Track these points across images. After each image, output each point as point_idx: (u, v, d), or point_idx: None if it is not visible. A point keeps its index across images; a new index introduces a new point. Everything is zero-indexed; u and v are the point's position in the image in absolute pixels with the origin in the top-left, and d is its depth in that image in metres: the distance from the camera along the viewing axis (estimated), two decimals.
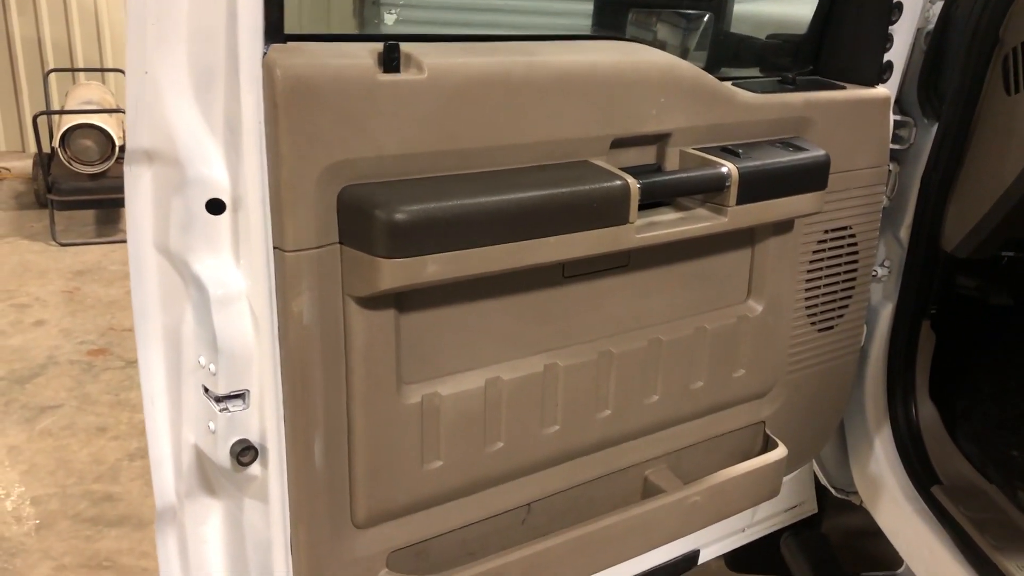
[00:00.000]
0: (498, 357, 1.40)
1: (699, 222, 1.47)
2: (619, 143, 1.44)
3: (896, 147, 2.04)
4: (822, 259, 1.81)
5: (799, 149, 1.61)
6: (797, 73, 1.79)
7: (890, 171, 1.90)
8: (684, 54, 1.93)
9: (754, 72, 1.90)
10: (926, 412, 2.11)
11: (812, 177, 1.60)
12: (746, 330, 1.69)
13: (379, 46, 1.20)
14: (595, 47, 1.46)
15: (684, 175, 1.44)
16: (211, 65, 1.14)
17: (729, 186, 1.47)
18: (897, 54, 1.92)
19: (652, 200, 1.42)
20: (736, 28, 2.07)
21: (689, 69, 1.48)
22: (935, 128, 1.96)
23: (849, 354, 1.96)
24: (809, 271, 1.79)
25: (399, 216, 1.16)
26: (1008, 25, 1.82)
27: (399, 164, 1.22)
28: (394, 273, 1.18)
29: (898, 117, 2.02)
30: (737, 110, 1.56)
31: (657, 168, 1.51)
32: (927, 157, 1.98)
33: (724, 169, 1.46)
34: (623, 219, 1.34)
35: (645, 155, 1.50)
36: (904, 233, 2.06)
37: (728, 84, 1.61)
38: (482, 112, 1.27)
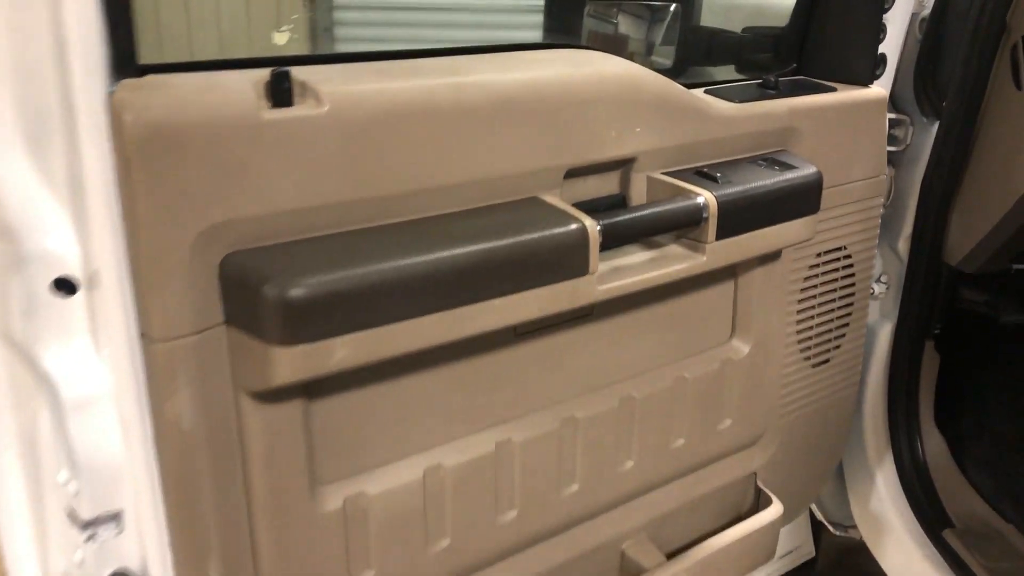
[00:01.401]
0: (439, 439, 1.16)
1: (673, 264, 1.23)
2: (575, 173, 1.20)
3: (891, 149, 1.81)
4: (815, 285, 1.58)
5: (786, 167, 1.37)
6: (779, 74, 1.55)
7: (885, 175, 1.67)
8: (648, 51, 1.69)
9: (729, 71, 1.67)
10: (932, 443, 1.90)
11: (803, 200, 1.37)
12: (732, 375, 1.46)
13: (265, 73, 0.95)
14: (539, 59, 1.21)
15: (653, 211, 1.21)
16: (42, 109, 0.89)
17: (707, 218, 1.23)
18: (891, 45, 1.69)
19: (616, 244, 1.18)
20: (708, 21, 1.83)
21: (654, 80, 1.24)
22: (935, 127, 1.74)
23: (847, 388, 1.74)
24: (800, 300, 1.56)
25: (295, 292, 0.92)
26: (1016, 11, 1.59)
27: (296, 221, 0.98)
28: (293, 363, 0.93)
29: (893, 115, 1.79)
30: (712, 125, 1.32)
31: (621, 200, 1.27)
32: (926, 160, 1.76)
33: (700, 199, 1.23)
34: (582, 270, 1.10)
35: (607, 184, 1.26)
36: (903, 245, 1.83)
37: (700, 93, 1.37)
38: (400, 150, 1.02)
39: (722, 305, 1.45)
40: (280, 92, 0.95)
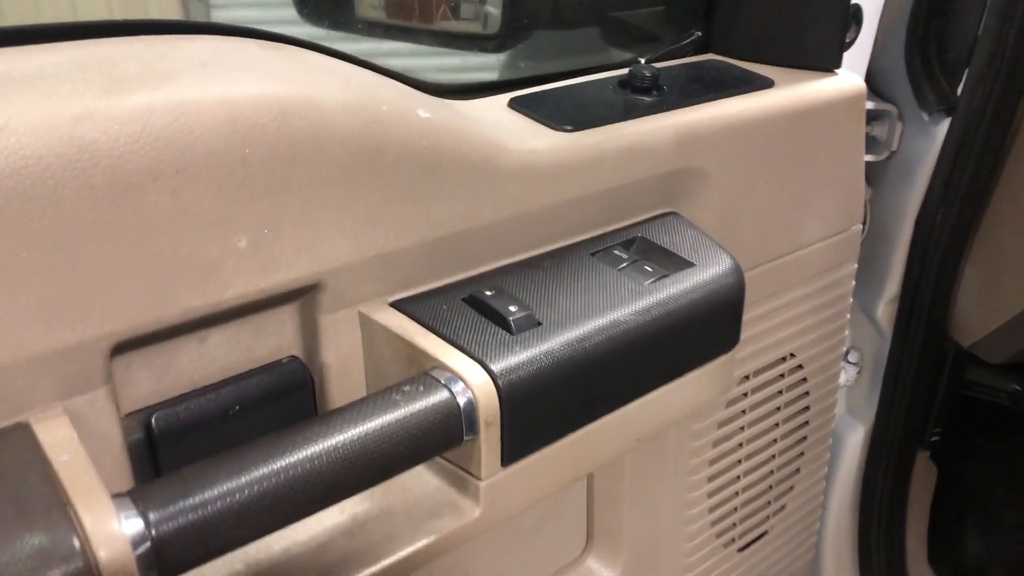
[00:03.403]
0: None
1: (393, 548, 0.53)
2: (140, 343, 0.49)
3: (869, 158, 1.11)
4: (740, 429, 0.89)
5: (671, 261, 0.67)
6: (667, 54, 0.84)
7: (859, 227, 0.97)
8: (453, 9, 0.96)
9: (584, 48, 0.94)
10: None
11: (706, 331, 0.67)
12: None
13: None
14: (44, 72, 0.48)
15: (298, 457, 0.49)
16: None
17: (475, 435, 0.53)
18: None
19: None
20: None
21: (367, 97, 0.53)
22: (941, 126, 1.04)
23: (797, 561, 1.07)
24: (714, 461, 0.88)
25: None
26: None
27: None
28: None
29: (872, 105, 1.09)
30: (508, 187, 0.61)
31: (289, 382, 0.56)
32: (926, 177, 1.07)
33: (452, 391, 0.52)
34: None
35: (242, 348, 0.56)
36: (884, 310, 1.15)
37: (490, 112, 0.67)
38: None
39: (568, 508, 0.77)
40: None
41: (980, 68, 0.95)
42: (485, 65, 1.02)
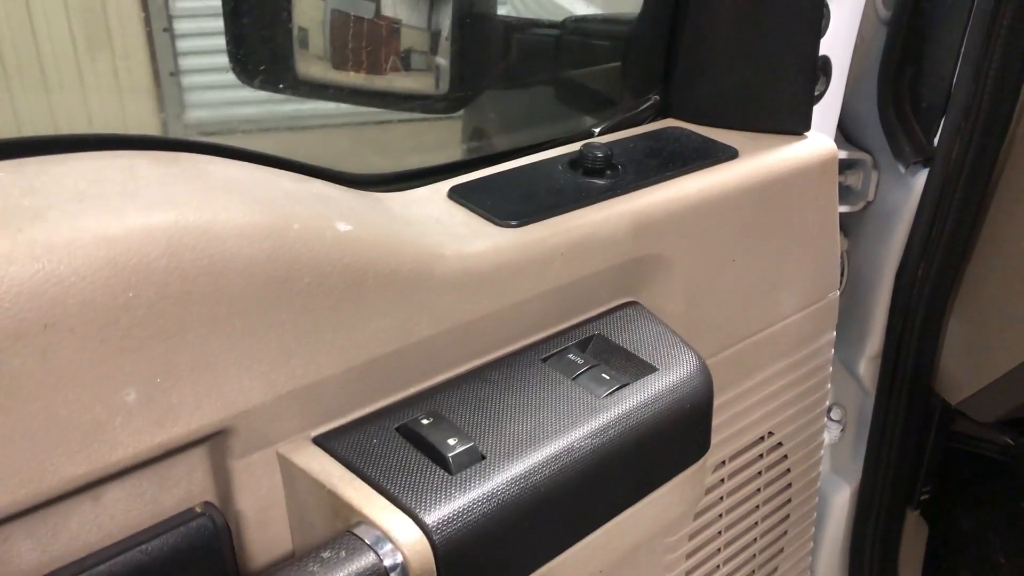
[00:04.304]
0: None
1: None
2: (22, 513, 0.43)
3: (844, 209, 1.06)
4: (718, 517, 0.83)
5: (629, 363, 0.61)
6: (625, 120, 0.78)
7: (836, 295, 0.91)
8: (405, 61, 0.90)
9: (536, 113, 0.88)
10: None
11: (672, 443, 0.61)
12: None
13: None
14: None
15: None
16: None
17: None
18: (838, 37, 0.93)
19: None
20: (512, 10, 1.04)
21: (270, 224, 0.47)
22: (919, 178, 0.99)
23: None
24: (691, 554, 0.82)
25: None
26: None
27: None
28: None
29: (844, 154, 1.04)
30: (449, 290, 0.55)
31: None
32: (904, 230, 1.02)
33: (379, 553, 0.46)
34: None
35: (140, 499, 0.49)
36: (867, 367, 1.10)
37: (425, 205, 0.61)
38: None
39: None
40: None
41: (956, 120, 0.90)
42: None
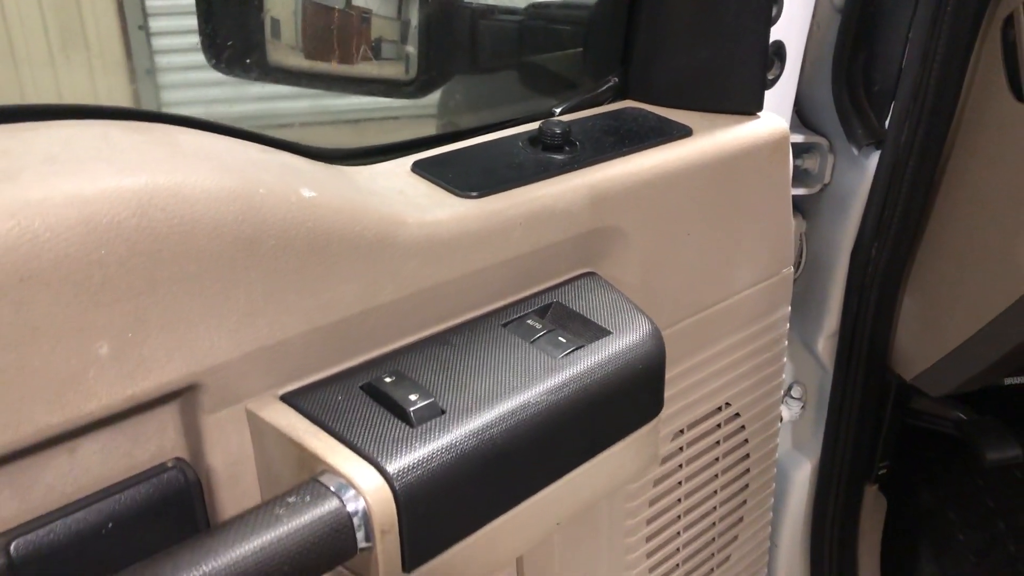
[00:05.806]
0: None
1: None
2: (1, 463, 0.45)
3: (799, 191, 1.10)
4: (677, 484, 0.86)
5: (585, 328, 0.64)
6: (584, 101, 0.81)
7: (790, 271, 0.95)
8: (376, 48, 0.93)
9: (498, 95, 0.91)
10: None
11: (625, 403, 0.64)
12: None
13: None
14: None
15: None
16: None
17: (371, 542, 0.49)
18: (792, 26, 0.96)
19: None
20: None
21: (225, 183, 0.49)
22: (872, 159, 1.03)
23: None
24: (651, 520, 0.85)
25: None
26: None
27: None
28: None
29: (801, 138, 1.07)
30: (412, 256, 0.58)
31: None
32: (859, 211, 1.05)
33: (342, 499, 0.48)
34: None
35: (114, 453, 0.51)
36: (824, 345, 1.13)
37: (390, 178, 0.63)
38: None
39: None
40: None
41: (905, 102, 0.94)
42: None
